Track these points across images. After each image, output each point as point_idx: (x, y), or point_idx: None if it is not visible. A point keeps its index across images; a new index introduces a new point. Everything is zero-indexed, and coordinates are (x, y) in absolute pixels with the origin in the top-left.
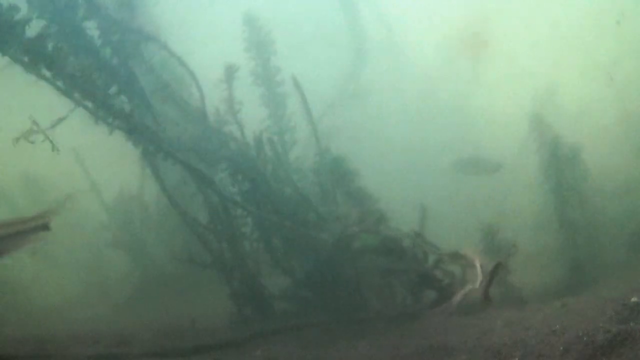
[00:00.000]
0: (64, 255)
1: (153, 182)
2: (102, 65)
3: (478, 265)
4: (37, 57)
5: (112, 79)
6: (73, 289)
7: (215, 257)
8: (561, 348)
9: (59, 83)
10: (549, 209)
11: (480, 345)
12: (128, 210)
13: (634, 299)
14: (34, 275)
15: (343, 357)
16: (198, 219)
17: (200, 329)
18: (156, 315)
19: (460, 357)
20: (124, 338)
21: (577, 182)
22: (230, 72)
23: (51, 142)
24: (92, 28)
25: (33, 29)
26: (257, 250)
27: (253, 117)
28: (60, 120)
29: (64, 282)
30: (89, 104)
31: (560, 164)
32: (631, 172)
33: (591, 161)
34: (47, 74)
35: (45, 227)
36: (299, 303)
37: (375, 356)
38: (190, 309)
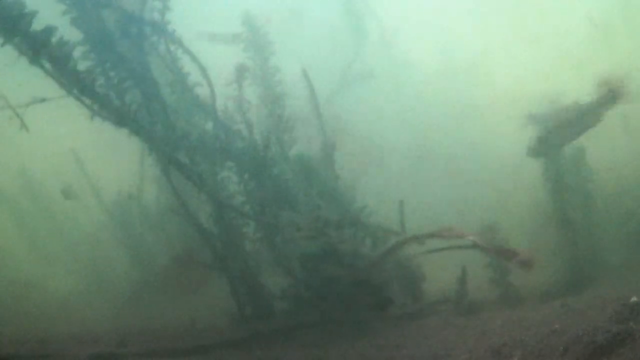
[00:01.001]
0: (64, 255)
1: (152, 181)
2: (116, 59)
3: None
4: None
5: (126, 74)
6: (72, 288)
7: (217, 256)
8: (561, 348)
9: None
10: (550, 208)
11: (480, 345)
12: (127, 209)
13: (634, 299)
14: (33, 275)
15: (343, 357)
16: (200, 217)
17: (200, 328)
18: (156, 315)
19: (460, 357)
20: (124, 338)
21: (579, 181)
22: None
23: (21, 119)
24: (108, 20)
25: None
26: (258, 249)
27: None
28: (38, 100)
29: (63, 281)
30: (91, 98)
31: (562, 163)
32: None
33: (592, 160)
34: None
35: None
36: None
37: (375, 356)
38: (190, 309)
